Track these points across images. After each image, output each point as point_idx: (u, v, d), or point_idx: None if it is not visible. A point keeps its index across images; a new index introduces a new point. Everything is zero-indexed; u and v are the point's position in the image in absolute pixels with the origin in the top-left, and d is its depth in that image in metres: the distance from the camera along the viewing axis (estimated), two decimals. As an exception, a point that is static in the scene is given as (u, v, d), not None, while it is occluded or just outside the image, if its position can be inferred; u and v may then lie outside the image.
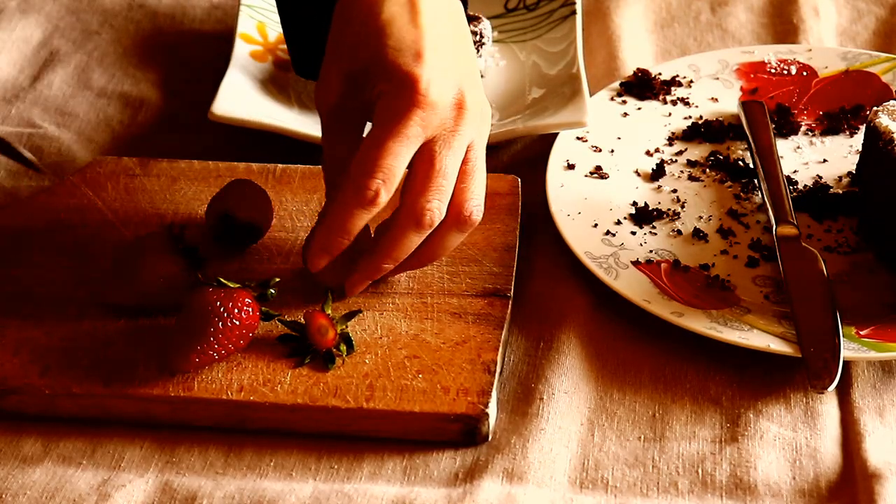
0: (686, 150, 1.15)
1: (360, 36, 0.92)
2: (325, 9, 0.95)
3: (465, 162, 0.92)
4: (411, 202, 0.91)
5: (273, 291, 0.96)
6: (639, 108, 1.18)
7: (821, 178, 1.11)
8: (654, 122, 1.17)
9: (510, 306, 0.98)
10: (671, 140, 1.16)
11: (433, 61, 0.90)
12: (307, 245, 0.95)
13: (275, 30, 1.26)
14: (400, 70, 0.90)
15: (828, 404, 0.94)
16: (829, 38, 1.29)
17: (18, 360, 0.94)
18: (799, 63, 1.22)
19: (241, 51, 1.23)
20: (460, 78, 0.92)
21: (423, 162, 0.91)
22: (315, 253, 0.93)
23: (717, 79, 1.21)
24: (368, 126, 0.94)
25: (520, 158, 1.16)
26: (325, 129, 0.95)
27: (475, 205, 0.93)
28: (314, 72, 0.98)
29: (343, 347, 0.93)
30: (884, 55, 1.22)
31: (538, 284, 1.03)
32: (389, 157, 0.89)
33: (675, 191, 1.10)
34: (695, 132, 1.16)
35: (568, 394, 0.94)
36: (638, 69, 1.21)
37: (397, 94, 0.89)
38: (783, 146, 1.14)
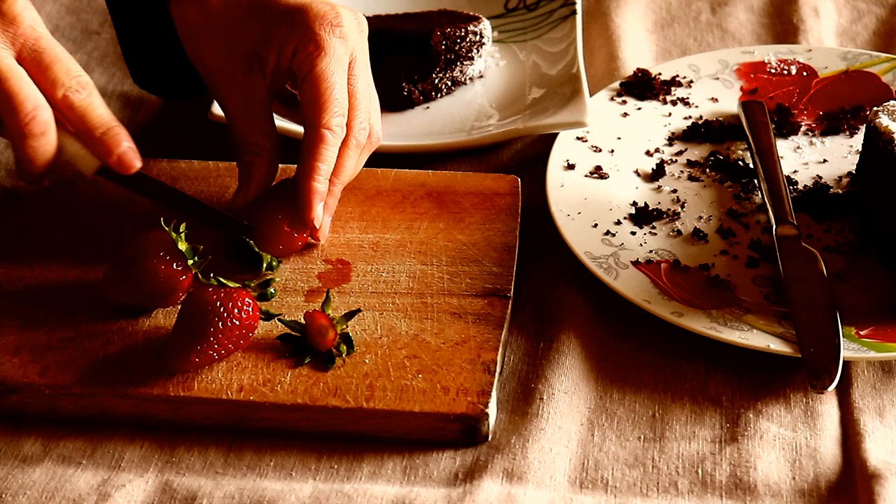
0: (686, 150, 1.15)
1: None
2: (161, 24, 1.03)
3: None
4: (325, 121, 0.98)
5: (273, 291, 0.96)
6: (639, 108, 1.18)
7: (821, 178, 1.11)
8: (654, 122, 1.17)
9: (510, 306, 0.98)
10: (671, 140, 1.15)
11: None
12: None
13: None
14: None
15: (828, 404, 0.94)
16: (829, 38, 1.29)
17: (18, 360, 0.94)
18: (799, 63, 1.22)
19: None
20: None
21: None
22: (313, 205, 0.98)
23: (717, 79, 1.21)
24: None
25: (520, 158, 1.16)
26: (238, 111, 1.01)
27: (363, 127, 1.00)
28: (154, 84, 1.12)
29: (343, 347, 0.93)
30: (884, 55, 1.22)
31: (538, 284, 1.03)
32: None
33: (675, 191, 1.10)
34: (695, 132, 1.16)
35: (568, 394, 0.94)
36: (638, 69, 1.21)
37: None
38: (783, 146, 1.14)
